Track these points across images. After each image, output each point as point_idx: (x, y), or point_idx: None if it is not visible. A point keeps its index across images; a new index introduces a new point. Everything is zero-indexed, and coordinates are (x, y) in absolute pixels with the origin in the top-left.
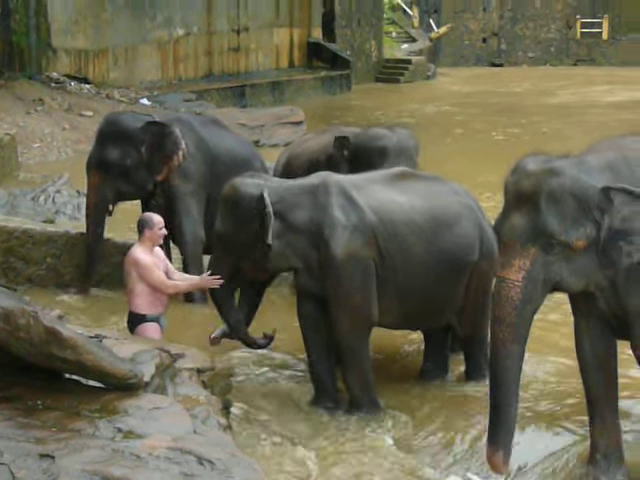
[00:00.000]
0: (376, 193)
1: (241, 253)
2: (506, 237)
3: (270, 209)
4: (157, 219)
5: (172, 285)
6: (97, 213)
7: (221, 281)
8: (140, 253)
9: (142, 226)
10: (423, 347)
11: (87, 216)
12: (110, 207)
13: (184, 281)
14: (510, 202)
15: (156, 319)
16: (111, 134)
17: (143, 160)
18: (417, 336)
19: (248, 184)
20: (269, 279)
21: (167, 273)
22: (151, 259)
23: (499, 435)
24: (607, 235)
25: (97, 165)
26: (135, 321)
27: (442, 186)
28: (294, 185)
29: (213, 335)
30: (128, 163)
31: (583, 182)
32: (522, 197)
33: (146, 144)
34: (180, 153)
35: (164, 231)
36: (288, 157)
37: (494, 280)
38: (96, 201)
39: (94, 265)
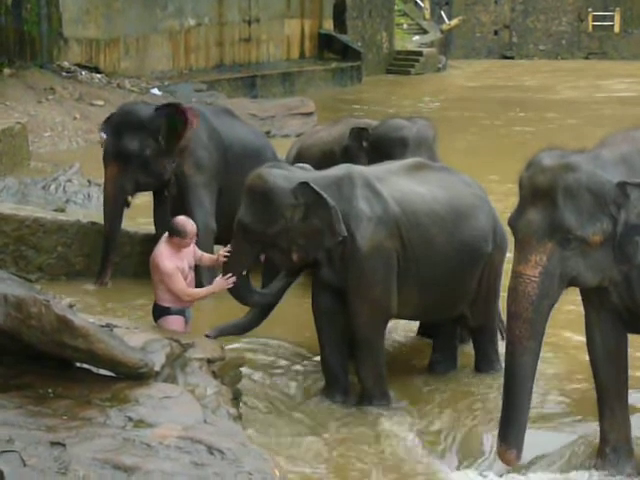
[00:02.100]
0: (398, 184)
1: (267, 244)
2: (522, 232)
3: (333, 204)
4: (191, 229)
5: (191, 294)
6: (116, 205)
7: (235, 279)
8: (163, 258)
9: (174, 232)
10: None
11: (105, 208)
12: (129, 198)
13: (201, 290)
14: (525, 197)
15: (181, 312)
16: (128, 125)
17: (161, 149)
18: None
19: (277, 175)
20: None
21: (196, 261)
22: (174, 266)
23: (511, 433)
24: (623, 230)
25: (116, 156)
26: (160, 313)
27: (454, 177)
28: (319, 177)
29: (209, 333)
30: (147, 153)
31: (599, 177)
32: (538, 192)
33: (162, 130)
34: (189, 125)
35: (194, 240)
36: (299, 149)
37: (503, 270)
38: (115, 193)
39: (111, 257)
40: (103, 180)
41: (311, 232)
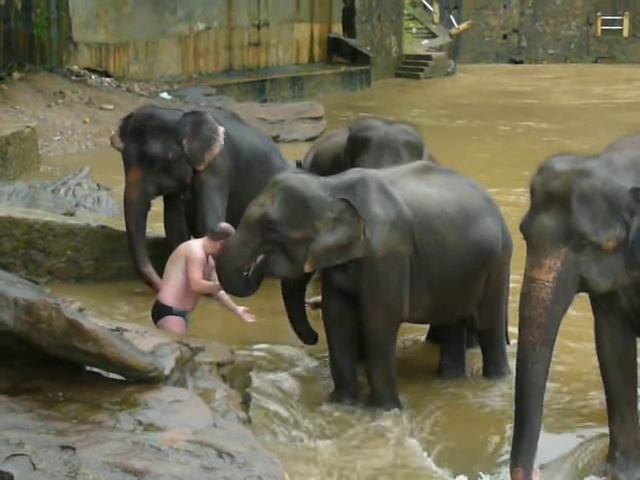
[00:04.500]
0: (409, 187)
1: (279, 247)
2: (535, 237)
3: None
4: None
5: (199, 283)
6: (139, 208)
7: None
8: (199, 248)
9: (224, 236)
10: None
11: (128, 212)
12: (151, 202)
13: (208, 283)
14: (538, 202)
15: (182, 314)
16: (150, 129)
17: (184, 152)
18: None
19: (317, 184)
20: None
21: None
22: (203, 257)
23: (521, 450)
24: (635, 236)
25: (138, 160)
26: (160, 312)
27: (461, 179)
28: (334, 181)
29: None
30: (170, 156)
31: (614, 183)
32: (552, 197)
33: (187, 135)
34: (219, 140)
35: None
36: (315, 153)
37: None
38: (138, 196)
39: (146, 259)
40: (122, 185)
41: (335, 247)
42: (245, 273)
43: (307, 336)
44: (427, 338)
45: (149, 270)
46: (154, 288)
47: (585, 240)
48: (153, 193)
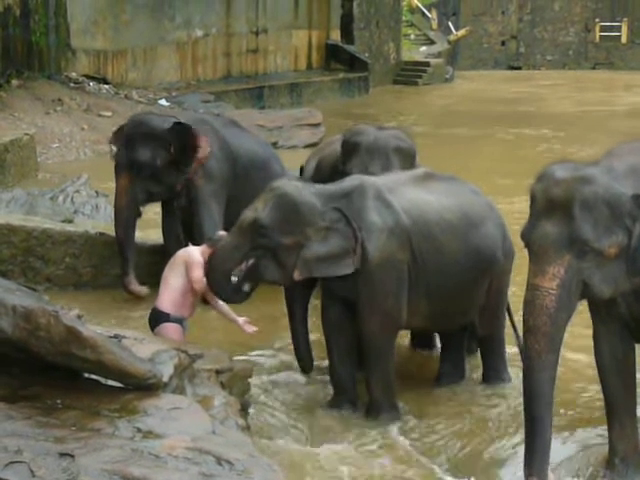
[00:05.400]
0: (408, 194)
1: (270, 252)
2: (537, 245)
3: (359, 235)
4: None
5: (201, 281)
6: (128, 214)
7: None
8: (198, 253)
9: (217, 244)
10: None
11: (118, 218)
12: (140, 209)
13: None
14: (539, 210)
15: (179, 321)
16: (140, 135)
17: (173, 160)
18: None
19: (310, 191)
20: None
21: None
22: (202, 262)
23: (535, 458)
24: (637, 243)
25: (128, 167)
26: (158, 319)
27: (462, 186)
28: (332, 189)
29: None
30: (159, 163)
31: (615, 190)
32: (553, 205)
33: (174, 146)
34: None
35: None
36: (318, 159)
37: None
38: (127, 203)
39: (131, 265)
40: (114, 191)
41: (328, 257)
42: (235, 277)
43: (305, 359)
44: (411, 345)
45: (129, 279)
46: (134, 295)
47: (587, 247)
48: (142, 200)
